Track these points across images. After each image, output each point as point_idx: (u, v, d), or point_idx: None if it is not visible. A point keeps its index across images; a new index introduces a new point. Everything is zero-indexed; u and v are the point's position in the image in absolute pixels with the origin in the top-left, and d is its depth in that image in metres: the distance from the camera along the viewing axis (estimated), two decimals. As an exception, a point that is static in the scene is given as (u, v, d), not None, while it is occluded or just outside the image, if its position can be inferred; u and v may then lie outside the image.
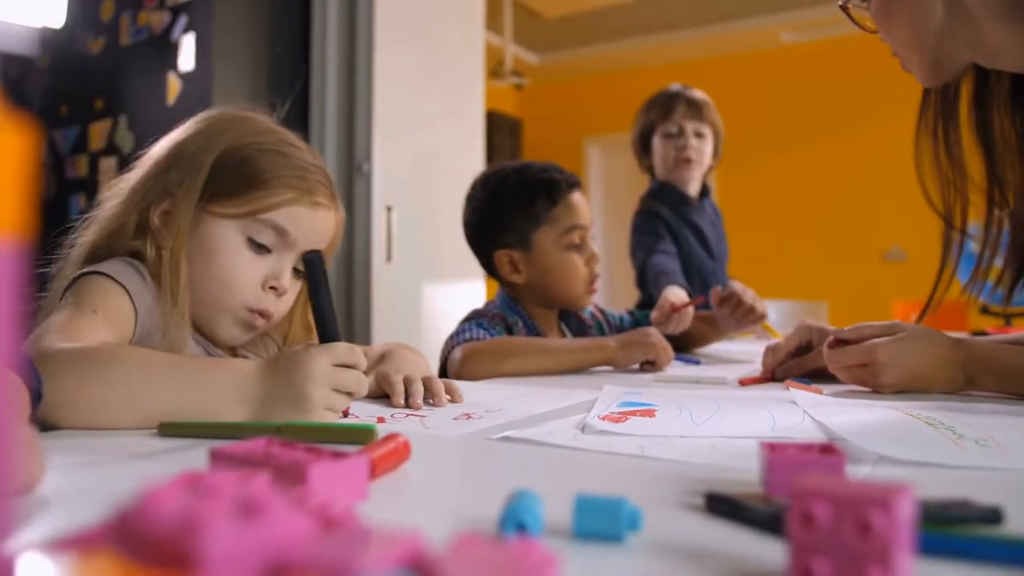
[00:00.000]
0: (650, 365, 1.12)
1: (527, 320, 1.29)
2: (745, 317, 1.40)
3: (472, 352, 1.08)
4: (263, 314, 0.78)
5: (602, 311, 1.47)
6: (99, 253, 0.78)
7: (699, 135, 1.84)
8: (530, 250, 1.27)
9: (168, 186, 0.77)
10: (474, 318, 1.25)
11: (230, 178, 0.76)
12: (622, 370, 1.12)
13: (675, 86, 1.90)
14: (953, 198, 0.85)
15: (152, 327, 0.75)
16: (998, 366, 0.77)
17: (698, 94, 1.89)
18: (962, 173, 0.85)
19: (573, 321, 1.38)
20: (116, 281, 0.72)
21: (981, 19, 0.71)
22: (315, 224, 0.80)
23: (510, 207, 1.28)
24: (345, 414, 0.66)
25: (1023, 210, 0.82)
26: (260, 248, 0.77)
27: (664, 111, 1.85)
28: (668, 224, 1.83)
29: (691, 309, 1.40)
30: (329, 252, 0.84)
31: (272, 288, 0.78)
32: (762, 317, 1.41)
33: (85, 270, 0.74)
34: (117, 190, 0.81)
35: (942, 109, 0.85)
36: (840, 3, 0.81)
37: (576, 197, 1.30)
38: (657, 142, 1.86)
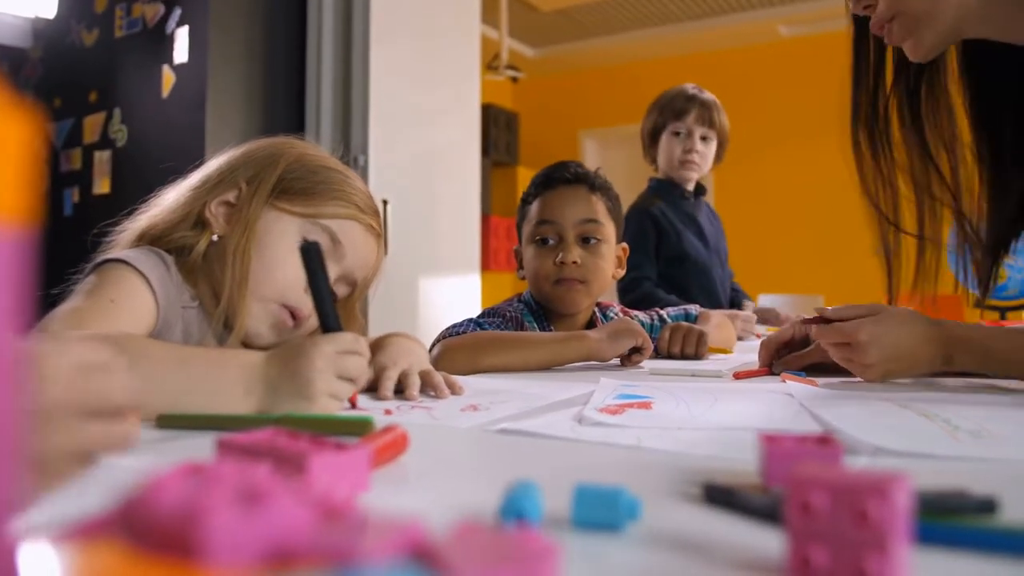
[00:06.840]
0: (637, 354, 1.07)
1: (545, 326, 1.24)
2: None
3: (449, 347, 1.04)
4: (295, 314, 0.78)
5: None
6: (145, 242, 0.79)
7: (705, 139, 1.91)
8: (522, 245, 1.32)
9: (236, 179, 0.79)
10: (481, 315, 1.24)
11: (299, 180, 0.80)
12: (616, 365, 1.12)
13: (692, 88, 1.95)
14: (887, 202, 0.90)
15: (173, 319, 0.75)
16: (976, 345, 0.81)
17: (711, 98, 1.94)
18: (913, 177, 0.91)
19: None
20: (138, 271, 0.72)
21: None
22: (365, 244, 0.84)
23: (519, 205, 1.34)
24: (353, 403, 0.66)
25: (994, 205, 0.87)
26: None
27: (677, 112, 1.90)
28: (659, 222, 1.86)
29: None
30: (367, 286, 0.89)
31: None
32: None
33: (108, 256, 0.74)
34: (177, 185, 0.83)
35: (872, 119, 0.91)
36: None
37: (559, 192, 1.24)
38: (664, 139, 1.92)
